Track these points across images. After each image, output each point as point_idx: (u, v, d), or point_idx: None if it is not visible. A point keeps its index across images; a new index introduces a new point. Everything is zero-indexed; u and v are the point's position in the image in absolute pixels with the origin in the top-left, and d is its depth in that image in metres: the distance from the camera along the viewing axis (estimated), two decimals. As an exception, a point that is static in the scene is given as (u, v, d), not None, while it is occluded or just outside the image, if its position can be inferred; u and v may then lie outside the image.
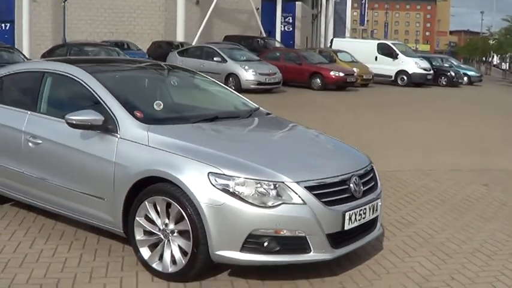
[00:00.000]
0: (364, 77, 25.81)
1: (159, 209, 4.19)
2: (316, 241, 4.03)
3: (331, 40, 34.37)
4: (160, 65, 6.10)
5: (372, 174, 4.72)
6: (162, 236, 4.21)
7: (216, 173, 3.98)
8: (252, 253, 3.97)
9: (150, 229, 4.26)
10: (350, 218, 4.20)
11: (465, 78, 31.39)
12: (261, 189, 3.95)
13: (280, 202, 3.94)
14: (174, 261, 4.16)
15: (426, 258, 5.00)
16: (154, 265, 4.25)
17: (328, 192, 4.15)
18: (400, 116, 16.38)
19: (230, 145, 4.53)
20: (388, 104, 20.28)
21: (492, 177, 8.48)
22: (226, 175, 3.97)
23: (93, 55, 17.29)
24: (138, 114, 4.59)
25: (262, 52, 25.62)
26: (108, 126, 4.50)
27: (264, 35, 38.70)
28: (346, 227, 4.19)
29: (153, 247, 4.29)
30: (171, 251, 4.17)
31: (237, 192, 3.93)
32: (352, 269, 4.63)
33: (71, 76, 5.01)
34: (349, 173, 4.38)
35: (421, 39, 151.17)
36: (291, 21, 45.78)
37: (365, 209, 4.37)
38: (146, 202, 4.22)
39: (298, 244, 4.02)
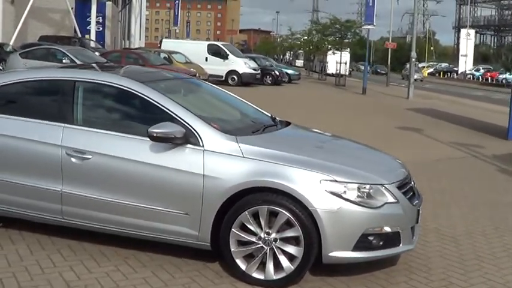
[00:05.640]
0: (201, 77, 26.32)
1: (261, 218, 4.31)
2: (405, 235, 4.54)
3: (160, 41, 34.41)
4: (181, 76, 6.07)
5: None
6: (263, 245, 4.34)
7: (328, 180, 4.26)
8: (361, 251, 4.34)
9: (249, 239, 4.36)
10: (420, 212, 4.76)
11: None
12: (368, 192, 4.34)
13: (383, 202, 4.36)
14: (278, 267, 4.33)
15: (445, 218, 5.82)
16: (254, 274, 4.37)
17: (406, 191, 4.66)
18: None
19: (319, 153, 4.81)
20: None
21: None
22: (338, 181, 4.28)
23: None
24: (215, 125, 4.62)
25: (102, 54, 24.89)
26: (190, 139, 4.47)
27: (80, 35, 37.44)
28: (419, 221, 4.75)
29: (248, 257, 4.40)
30: (274, 258, 4.33)
31: (349, 197, 4.26)
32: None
33: (117, 86, 4.85)
34: (407, 174, 4.94)
35: (211, 38, 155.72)
36: (101, 21, 44.68)
37: (421, 204, 4.94)
38: (247, 212, 4.31)
39: (394, 239, 4.49)
